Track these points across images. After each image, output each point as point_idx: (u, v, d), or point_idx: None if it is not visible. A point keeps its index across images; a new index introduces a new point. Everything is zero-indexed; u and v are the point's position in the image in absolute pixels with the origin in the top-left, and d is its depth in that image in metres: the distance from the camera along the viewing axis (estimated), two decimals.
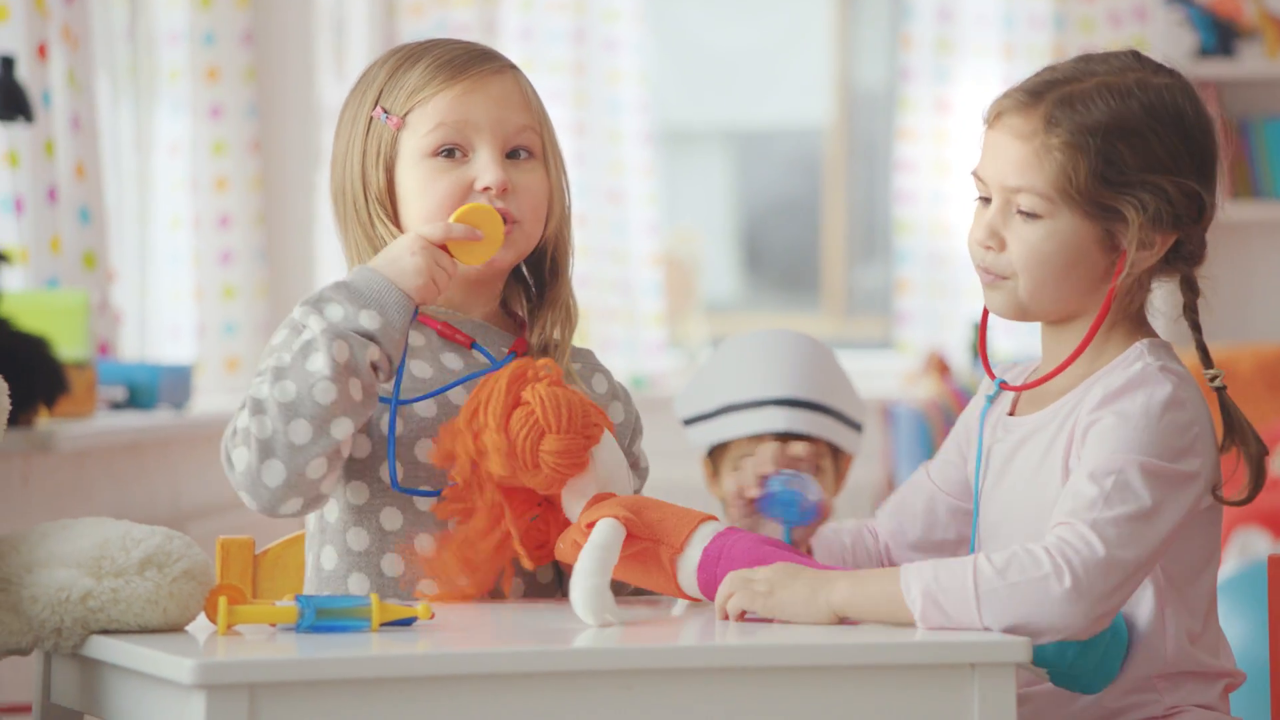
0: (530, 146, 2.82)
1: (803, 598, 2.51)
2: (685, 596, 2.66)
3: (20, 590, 2.53)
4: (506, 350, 2.82)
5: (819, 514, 2.80)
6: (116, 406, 5.45)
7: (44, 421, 4.59)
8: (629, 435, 2.91)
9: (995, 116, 2.75)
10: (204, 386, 6.99)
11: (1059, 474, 2.64)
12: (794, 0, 9.94)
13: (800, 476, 2.78)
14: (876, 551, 2.91)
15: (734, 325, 9.51)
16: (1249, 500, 2.68)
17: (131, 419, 5.24)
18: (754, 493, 2.81)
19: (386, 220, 2.80)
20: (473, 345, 2.81)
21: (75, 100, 5.83)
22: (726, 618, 2.54)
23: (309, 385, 2.59)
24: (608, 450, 2.69)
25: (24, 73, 5.24)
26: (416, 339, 2.79)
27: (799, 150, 9.86)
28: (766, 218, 10.02)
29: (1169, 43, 8.15)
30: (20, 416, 4.40)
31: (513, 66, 2.86)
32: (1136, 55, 2.75)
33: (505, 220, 2.76)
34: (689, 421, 3.86)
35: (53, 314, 5.03)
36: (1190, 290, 2.74)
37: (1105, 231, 2.68)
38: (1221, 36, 8.13)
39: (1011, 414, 2.79)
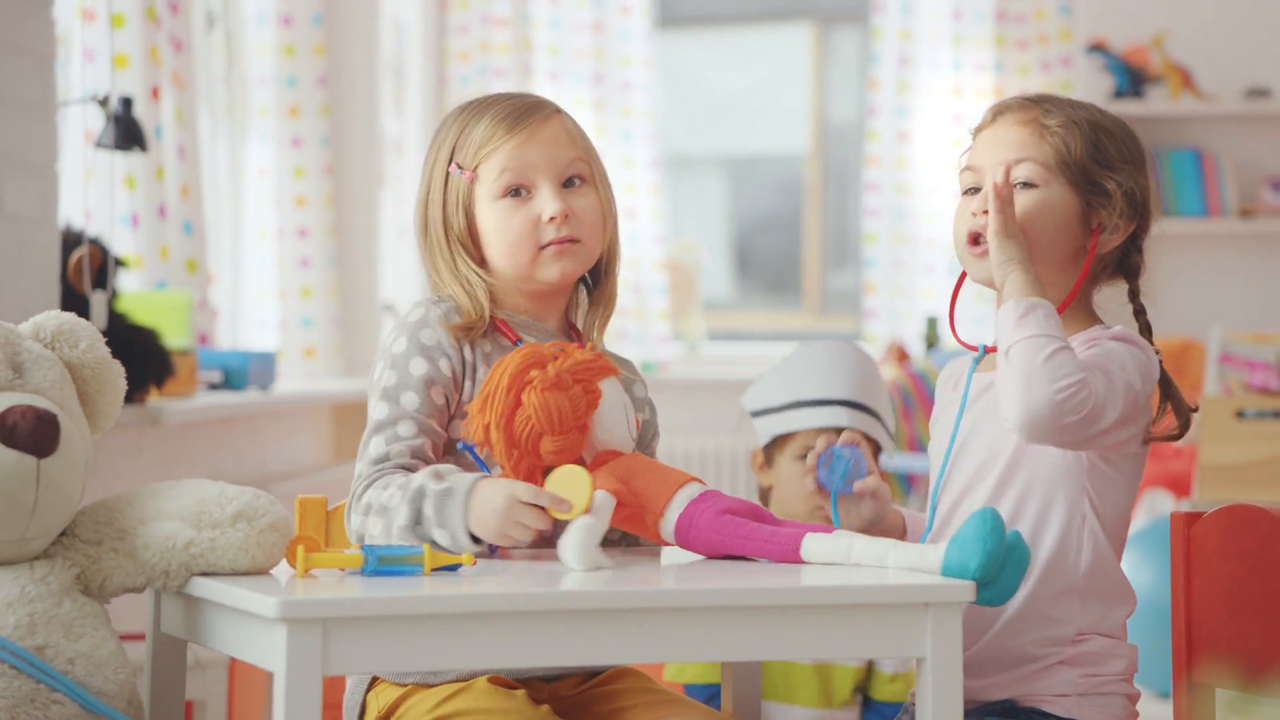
0: (581, 174, 2.83)
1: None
2: (669, 545, 2.66)
3: (135, 540, 2.54)
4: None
5: (861, 487, 2.78)
6: (213, 387, 5.45)
7: (154, 400, 4.60)
8: (650, 436, 2.91)
9: (994, 116, 2.77)
10: (285, 371, 7.00)
11: None
12: (778, 49, 9.91)
13: (858, 451, 2.77)
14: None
15: (728, 321, 9.50)
16: (1179, 438, 2.74)
17: (225, 398, 5.25)
18: (815, 458, 2.79)
19: (467, 257, 2.79)
20: (516, 343, 2.78)
21: (181, 133, 5.84)
22: None
23: (386, 537, 2.61)
24: (607, 413, 2.66)
25: (140, 110, 5.24)
26: (489, 346, 2.78)
27: (782, 174, 9.84)
28: (755, 230, 10.01)
29: (1090, 86, 8.15)
30: (134, 396, 4.41)
31: (558, 110, 2.84)
32: (1078, 105, 2.81)
33: (570, 241, 2.77)
34: (757, 414, 3.82)
35: (161, 310, 5.04)
36: (1136, 278, 2.79)
37: (1087, 205, 2.71)
38: (1133, 81, 8.12)
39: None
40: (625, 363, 2.92)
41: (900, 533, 2.79)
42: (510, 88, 8.33)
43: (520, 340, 2.78)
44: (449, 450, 2.73)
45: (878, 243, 8.66)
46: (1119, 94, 8.10)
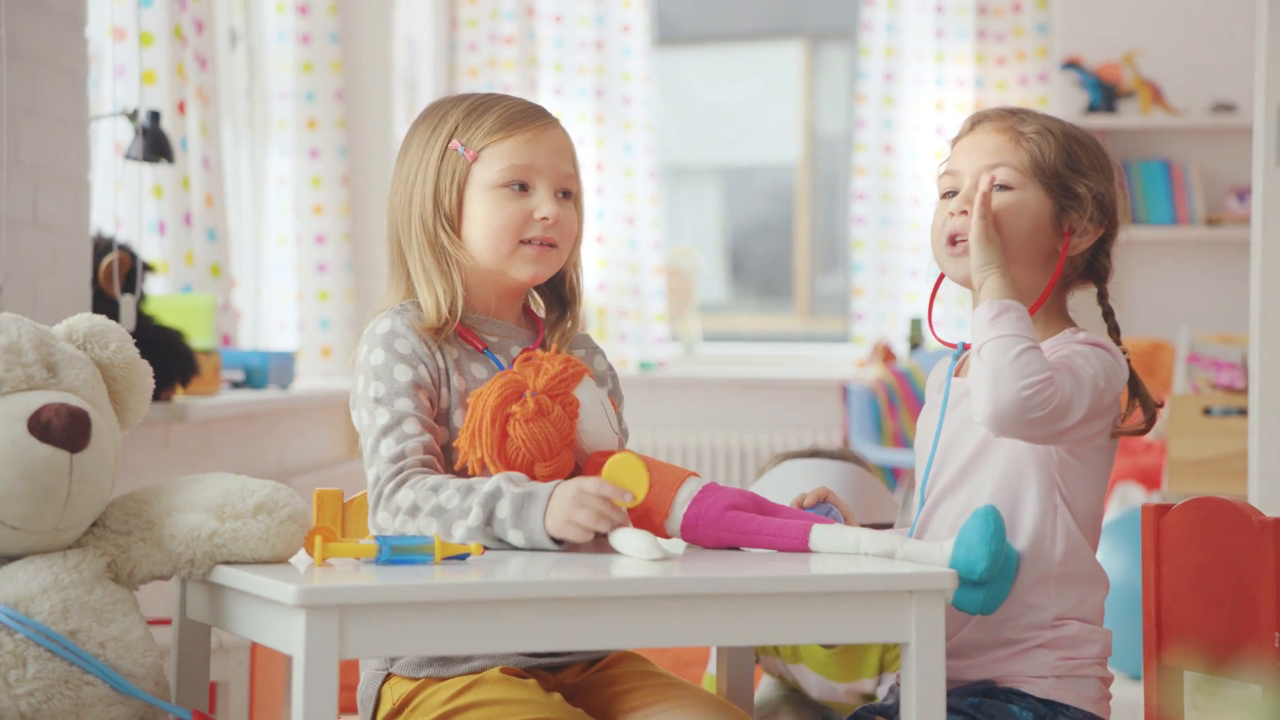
0: (572, 190, 2.81)
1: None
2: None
3: (162, 530, 2.54)
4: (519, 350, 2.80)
5: None
6: (236, 385, 5.46)
7: (180, 397, 4.60)
8: (620, 402, 2.89)
9: (972, 125, 2.78)
10: (304, 370, 7.00)
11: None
12: (770, 65, 9.91)
13: (833, 511, 2.77)
14: None
15: (722, 323, 9.50)
16: (1145, 432, 2.74)
17: (247, 395, 5.25)
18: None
19: (450, 232, 2.77)
20: (484, 351, 2.78)
21: (206, 145, 5.84)
22: None
23: (445, 536, 2.59)
24: (589, 417, 2.65)
25: (167, 124, 5.25)
26: (457, 351, 2.75)
27: (775, 183, 9.84)
28: (748, 237, 10.00)
29: (1065, 101, 8.16)
30: (161, 393, 4.41)
31: (558, 122, 2.84)
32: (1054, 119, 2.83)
33: (550, 245, 2.77)
34: None
35: (186, 312, 5.04)
36: (1104, 281, 2.78)
37: (1059, 208, 2.72)
38: (1106, 96, 8.12)
39: (957, 375, 2.81)
40: (584, 339, 2.89)
41: None
42: None
43: (487, 349, 2.77)
44: (446, 449, 2.71)
45: (865, 249, 8.67)
46: (1093, 108, 8.10)
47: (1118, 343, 2.76)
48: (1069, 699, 2.67)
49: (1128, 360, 2.73)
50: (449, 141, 2.78)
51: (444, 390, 2.72)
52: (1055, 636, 2.68)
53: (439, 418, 2.70)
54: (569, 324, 2.86)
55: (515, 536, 2.57)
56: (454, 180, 2.77)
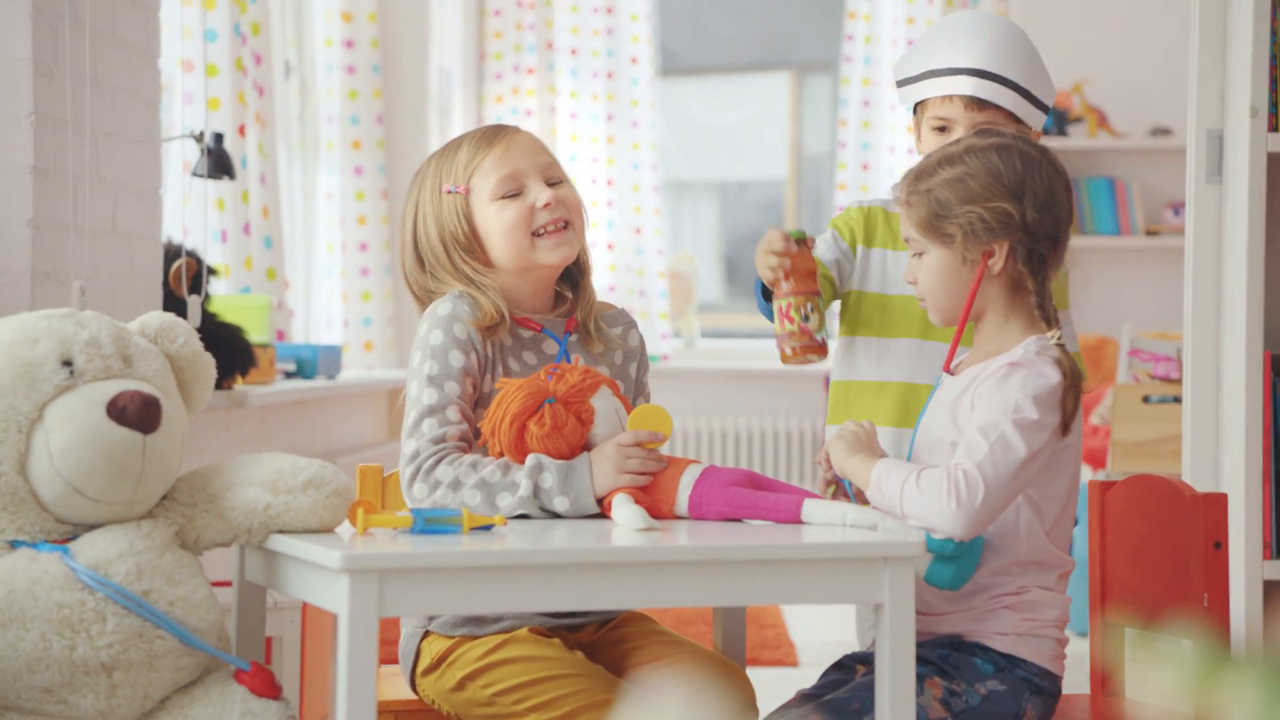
0: (559, 176, 2.81)
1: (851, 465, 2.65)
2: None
3: (223, 503, 2.54)
4: (563, 331, 2.80)
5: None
6: (289, 376, 5.46)
7: (239, 386, 4.61)
8: (646, 370, 2.89)
9: (896, 198, 2.79)
10: (349, 362, 7.01)
11: (965, 413, 2.66)
12: (761, 93, 9.90)
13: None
14: None
15: (719, 320, 9.50)
16: (1076, 407, 2.67)
17: (299, 384, 5.25)
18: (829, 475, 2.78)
19: (472, 261, 2.76)
20: (542, 330, 2.78)
21: (263, 164, 5.85)
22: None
23: (480, 511, 2.59)
24: (601, 425, 2.65)
25: (229, 145, 5.25)
26: (510, 339, 2.75)
27: (766, 197, 9.83)
28: (742, 244, 10.00)
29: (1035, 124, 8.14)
30: (223, 382, 4.42)
31: (520, 128, 2.82)
32: (977, 134, 2.78)
33: (563, 225, 2.75)
34: (900, 84, 3.19)
35: (245, 311, 5.04)
36: (1037, 281, 2.71)
37: (960, 252, 2.70)
38: (1058, 121, 8.11)
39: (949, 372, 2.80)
40: (620, 314, 2.88)
41: None
42: (538, 126, 8.34)
43: (545, 329, 2.77)
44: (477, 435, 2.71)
45: None
46: (1046, 132, 8.07)
47: (1050, 326, 2.71)
48: (1027, 655, 2.67)
49: (1059, 343, 2.68)
50: (440, 192, 2.76)
51: (488, 377, 2.72)
52: (1018, 600, 2.68)
53: (480, 401, 2.71)
54: (587, 293, 2.84)
55: (561, 503, 2.57)
56: (459, 215, 2.76)
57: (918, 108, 3.16)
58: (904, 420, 3.02)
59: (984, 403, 2.63)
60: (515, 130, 2.80)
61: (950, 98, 3.11)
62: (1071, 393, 2.66)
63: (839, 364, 3.12)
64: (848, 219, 3.15)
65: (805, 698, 2.68)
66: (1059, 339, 2.69)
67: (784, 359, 2.82)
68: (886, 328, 3.08)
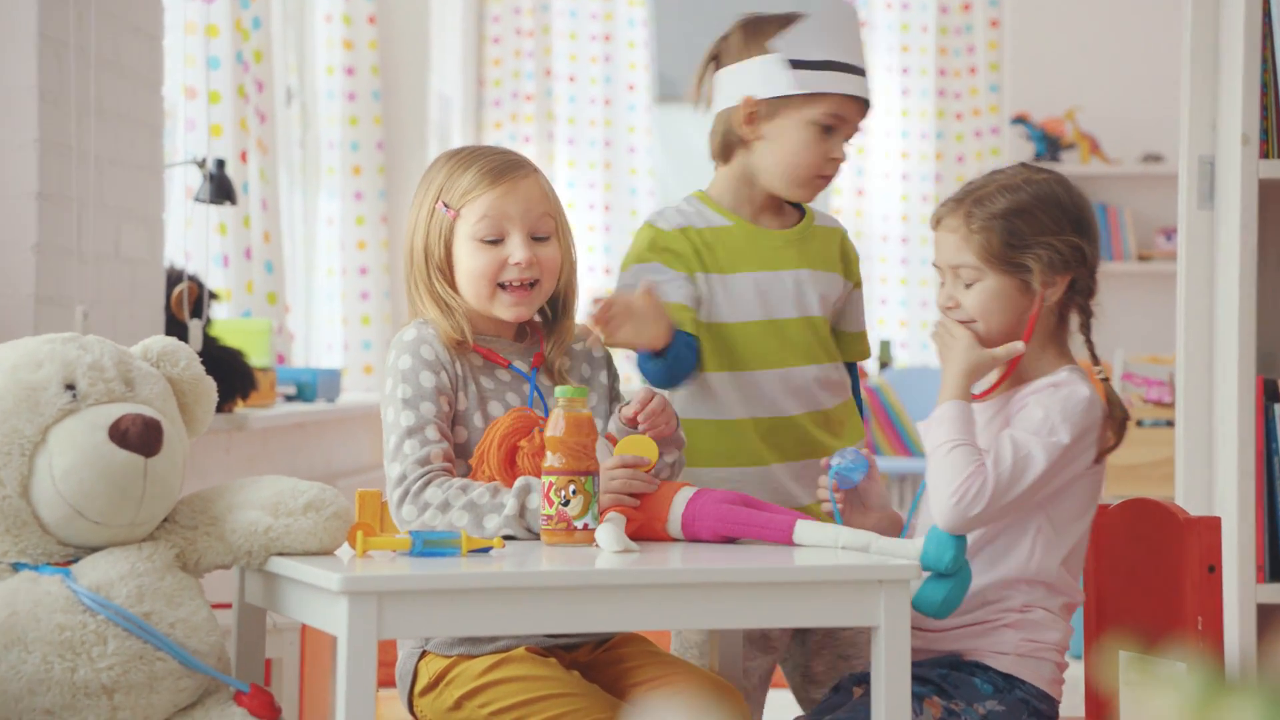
0: (547, 230, 2.78)
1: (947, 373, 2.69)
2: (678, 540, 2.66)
3: (224, 525, 2.54)
4: (529, 365, 2.79)
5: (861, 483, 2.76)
6: (289, 399, 5.45)
7: (240, 409, 4.60)
8: (618, 380, 2.87)
9: (936, 222, 2.78)
10: (348, 385, 7.00)
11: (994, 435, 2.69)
12: None
13: (860, 456, 2.76)
14: None
15: None
16: (1115, 447, 2.73)
17: (299, 408, 5.25)
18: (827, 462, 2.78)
19: (443, 281, 2.76)
20: (509, 366, 2.78)
21: (264, 189, 5.85)
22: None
23: (476, 528, 2.59)
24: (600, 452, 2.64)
25: (231, 170, 5.25)
26: (477, 360, 2.75)
27: None
28: None
29: (1014, 151, 8.16)
30: (224, 406, 4.41)
31: (536, 170, 2.81)
32: (1024, 165, 2.82)
33: (529, 285, 2.74)
34: (795, 65, 2.98)
35: (246, 335, 5.04)
36: (1085, 315, 2.77)
37: (1021, 281, 2.71)
38: (1050, 147, 8.12)
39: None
40: (584, 328, 2.87)
41: (897, 530, 2.78)
42: (536, 152, 8.35)
43: (512, 364, 2.77)
44: (457, 454, 2.71)
45: None
46: (1038, 158, 8.11)
47: (1096, 364, 2.76)
48: (1027, 676, 2.67)
49: (1104, 378, 2.73)
50: (436, 202, 2.77)
51: (460, 394, 2.72)
52: (1021, 619, 2.68)
53: (457, 419, 2.71)
54: (561, 336, 2.83)
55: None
56: (441, 236, 2.77)
57: (796, 99, 2.96)
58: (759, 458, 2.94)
59: (1021, 416, 2.67)
60: (526, 174, 2.78)
61: (853, 99, 2.99)
62: (1111, 424, 2.69)
63: (691, 403, 2.97)
64: (669, 246, 2.98)
65: None
66: (1103, 374, 2.73)
67: (543, 539, 2.58)
68: (744, 360, 2.98)
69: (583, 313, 2.80)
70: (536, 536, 2.59)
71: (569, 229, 2.84)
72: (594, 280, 8.54)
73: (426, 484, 2.62)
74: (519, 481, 2.60)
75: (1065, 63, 8.22)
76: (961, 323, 2.73)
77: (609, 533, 2.51)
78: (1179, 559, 2.73)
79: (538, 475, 2.60)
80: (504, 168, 2.78)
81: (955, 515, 2.58)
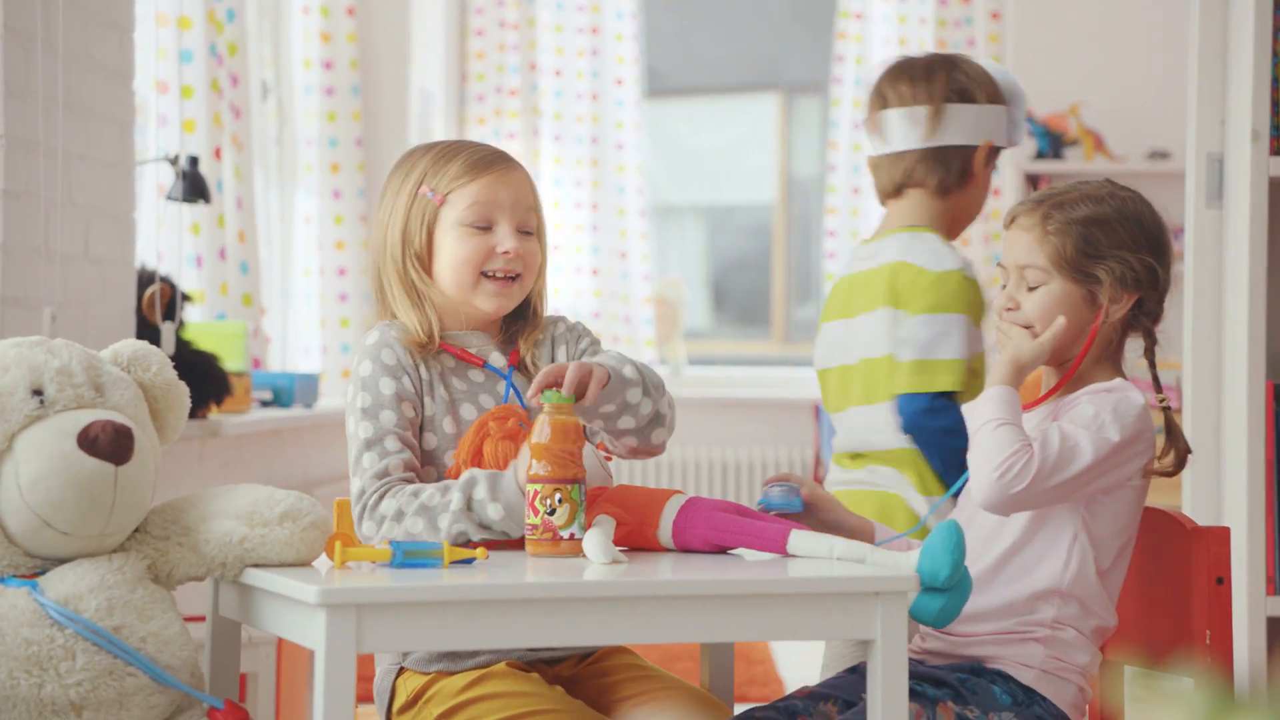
0: (532, 226, 2.80)
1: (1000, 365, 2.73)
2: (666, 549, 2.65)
3: (197, 535, 2.53)
4: (506, 363, 2.80)
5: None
6: (265, 404, 5.45)
7: (214, 415, 4.60)
8: (591, 347, 2.87)
9: (1010, 220, 2.81)
10: (326, 390, 6.99)
11: None
12: (749, 115, 9.92)
13: (790, 491, 2.77)
14: None
15: (706, 348, 9.50)
16: (1176, 472, 2.78)
17: (275, 413, 5.24)
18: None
19: (419, 270, 2.76)
20: (484, 365, 2.78)
21: (239, 187, 5.84)
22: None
23: (432, 530, 2.59)
24: (588, 459, 2.64)
25: (205, 168, 5.25)
26: (441, 365, 2.75)
27: (754, 221, 9.84)
28: (729, 270, 10.00)
29: (1016, 148, 8.16)
30: (197, 411, 4.41)
31: (520, 166, 2.84)
32: (1109, 181, 2.84)
33: (513, 278, 2.76)
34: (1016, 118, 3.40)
35: (221, 338, 5.04)
36: (1150, 339, 2.80)
37: (1088, 291, 2.74)
38: (1053, 144, 8.13)
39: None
40: (559, 319, 2.87)
41: (869, 538, 2.78)
42: (521, 149, 8.35)
43: (488, 362, 2.77)
44: (426, 461, 2.71)
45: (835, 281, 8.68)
46: (1040, 155, 8.11)
47: (1159, 391, 2.78)
48: (1048, 693, 2.66)
49: (1165, 406, 2.75)
50: (419, 187, 2.77)
51: (427, 399, 2.72)
52: (1050, 635, 2.68)
53: (425, 424, 2.70)
54: (533, 332, 2.83)
55: (494, 510, 2.57)
56: (423, 222, 2.77)
57: (993, 147, 3.31)
58: None
59: (1072, 413, 2.69)
60: (513, 166, 2.81)
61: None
62: (1173, 451, 2.73)
63: None
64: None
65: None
66: (1166, 403, 2.78)
67: (528, 549, 2.58)
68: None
69: None
70: (489, 531, 2.57)
71: (545, 230, 2.85)
72: (581, 281, 8.55)
73: (381, 497, 2.62)
74: (464, 474, 2.60)
75: (1068, 56, 8.23)
76: (1022, 327, 2.76)
77: (597, 543, 2.50)
78: (1186, 570, 2.73)
79: (504, 463, 2.60)
80: (493, 157, 2.80)
81: (997, 491, 2.60)
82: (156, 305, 4.40)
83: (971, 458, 2.66)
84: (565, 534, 2.53)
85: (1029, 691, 2.66)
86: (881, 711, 2.39)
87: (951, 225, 3.38)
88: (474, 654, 2.65)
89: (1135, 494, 2.71)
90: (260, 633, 3.57)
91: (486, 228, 2.76)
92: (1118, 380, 2.74)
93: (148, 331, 4.34)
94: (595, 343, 2.87)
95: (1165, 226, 2.80)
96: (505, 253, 2.75)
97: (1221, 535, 2.72)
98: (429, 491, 2.60)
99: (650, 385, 2.72)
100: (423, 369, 2.72)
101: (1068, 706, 2.67)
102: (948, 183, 3.33)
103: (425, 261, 2.77)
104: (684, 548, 2.61)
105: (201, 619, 3.08)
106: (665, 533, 2.61)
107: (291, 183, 7.17)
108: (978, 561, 2.71)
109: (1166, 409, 2.78)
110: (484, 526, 2.59)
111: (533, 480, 2.54)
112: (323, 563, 2.53)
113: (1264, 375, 3.42)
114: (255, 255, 5.97)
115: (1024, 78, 8.51)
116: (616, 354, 2.75)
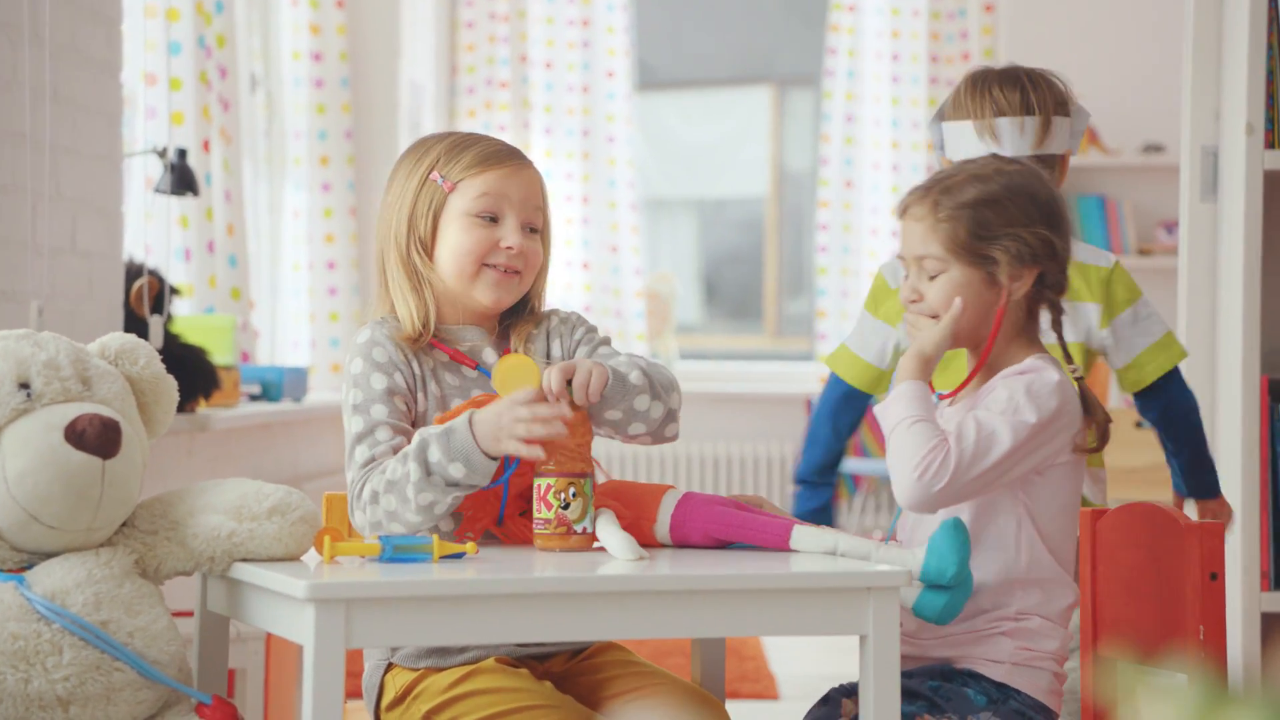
0: (538, 225, 2.80)
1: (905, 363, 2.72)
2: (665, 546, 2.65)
3: (185, 530, 2.53)
4: (498, 358, 2.79)
5: None
6: (254, 398, 5.45)
7: (202, 409, 4.59)
8: (595, 343, 2.86)
9: (903, 211, 2.78)
10: (315, 384, 6.99)
11: None
12: (742, 108, 9.92)
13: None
14: None
15: (698, 342, 9.50)
16: (1099, 450, 2.78)
17: (264, 407, 5.24)
18: None
19: (422, 255, 2.77)
20: (476, 367, 2.77)
21: (228, 180, 5.84)
22: None
23: (405, 514, 2.58)
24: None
25: (193, 160, 5.24)
26: (433, 362, 2.74)
27: (746, 215, 9.85)
28: (721, 264, 10.01)
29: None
30: (186, 405, 4.40)
31: (532, 164, 2.84)
32: (996, 157, 2.82)
33: (514, 272, 2.76)
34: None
35: (209, 332, 5.03)
36: (1056, 311, 2.78)
37: (988, 273, 2.71)
38: None
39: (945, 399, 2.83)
40: (553, 311, 2.87)
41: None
42: (512, 141, 8.33)
43: (479, 366, 2.77)
44: None
45: (828, 275, 8.68)
46: None
47: (1070, 363, 2.77)
48: (1022, 685, 2.67)
49: (1080, 380, 2.73)
50: (430, 173, 2.78)
51: (420, 395, 2.72)
52: (1016, 627, 2.68)
53: (416, 420, 2.70)
54: (527, 330, 2.83)
55: (456, 470, 2.55)
56: (430, 208, 2.77)
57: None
58: None
59: (987, 400, 2.68)
60: (526, 164, 2.81)
61: None
62: (1094, 425, 2.70)
63: None
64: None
65: None
66: (1079, 374, 2.76)
67: (536, 544, 2.59)
68: None
69: None
70: (465, 488, 2.56)
71: (550, 230, 2.85)
72: (572, 275, 8.55)
73: (365, 483, 2.62)
74: (415, 437, 2.58)
75: (1062, 49, 8.23)
76: (926, 317, 2.75)
77: (622, 540, 2.50)
78: (1180, 565, 2.73)
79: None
80: (508, 152, 2.80)
81: (918, 491, 2.59)
82: (144, 298, 4.39)
83: (890, 458, 2.64)
84: (579, 528, 2.55)
85: (1002, 687, 2.66)
86: (874, 706, 2.39)
87: None
88: (463, 650, 2.65)
89: (1070, 469, 2.72)
90: (249, 628, 3.56)
91: (493, 220, 2.76)
92: (1030, 360, 2.72)
93: (136, 325, 4.34)
94: (592, 330, 2.87)
95: (1058, 196, 2.78)
96: (509, 248, 2.75)
97: (1215, 530, 2.72)
98: (392, 465, 2.59)
99: (659, 387, 2.72)
100: (414, 365, 2.72)
101: (1043, 694, 2.68)
102: None
103: (429, 248, 2.77)
104: (681, 542, 2.61)
105: (190, 614, 3.08)
106: (663, 527, 2.61)
107: (280, 176, 7.17)
108: None
109: (1079, 380, 2.76)
110: (451, 485, 2.58)
111: (545, 475, 2.54)
112: (311, 557, 2.53)
113: (1258, 370, 3.43)
114: (244, 248, 5.97)
115: None
116: (627, 357, 2.75)
